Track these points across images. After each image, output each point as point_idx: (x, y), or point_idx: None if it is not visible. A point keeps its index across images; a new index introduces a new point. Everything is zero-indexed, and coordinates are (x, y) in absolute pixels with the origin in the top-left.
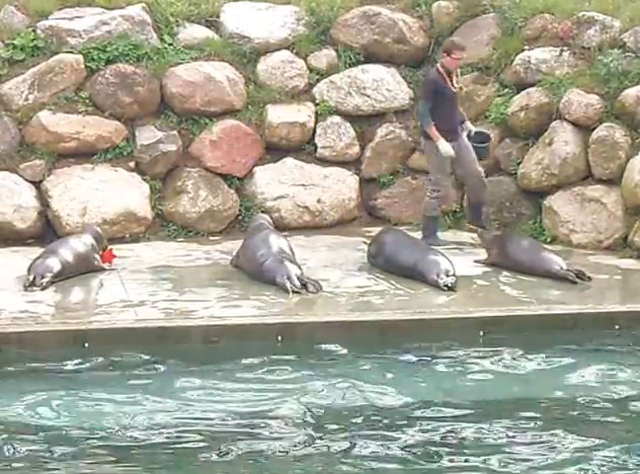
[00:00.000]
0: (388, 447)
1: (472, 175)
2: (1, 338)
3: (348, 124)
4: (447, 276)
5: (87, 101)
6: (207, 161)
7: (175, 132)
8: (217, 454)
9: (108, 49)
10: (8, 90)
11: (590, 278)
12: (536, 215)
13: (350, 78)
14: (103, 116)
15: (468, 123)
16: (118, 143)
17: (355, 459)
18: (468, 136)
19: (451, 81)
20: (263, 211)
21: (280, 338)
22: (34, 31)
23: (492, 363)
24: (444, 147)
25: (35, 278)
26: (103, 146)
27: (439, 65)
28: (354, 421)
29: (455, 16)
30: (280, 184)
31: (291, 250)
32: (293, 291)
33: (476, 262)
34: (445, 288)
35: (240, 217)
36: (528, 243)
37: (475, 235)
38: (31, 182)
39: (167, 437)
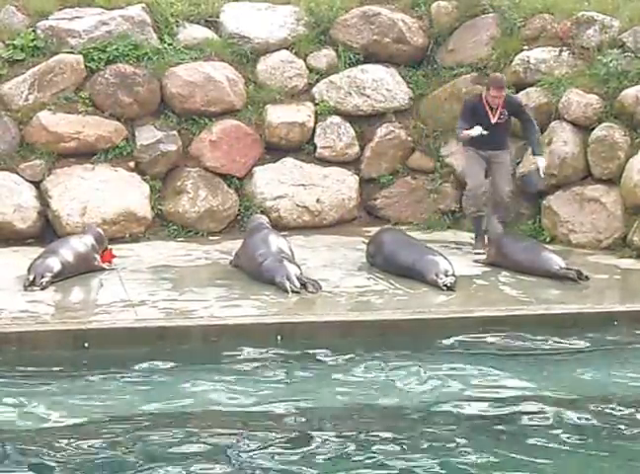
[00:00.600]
0: (386, 448)
1: (498, 193)
2: (1, 338)
3: (347, 124)
4: (447, 275)
5: (87, 101)
6: (207, 161)
7: (175, 132)
8: (215, 453)
9: (108, 50)
10: (8, 90)
11: (587, 278)
12: (536, 215)
13: (349, 78)
14: (103, 116)
15: (539, 159)
16: (117, 143)
17: (352, 460)
18: (528, 172)
19: (493, 113)
20: (262, 211)
21: (279, 337)
22: (34, 31)
23: (491, 363)
24: (474, 130)
25: (35, 278)
26: (103, 146)
27: (484, 94)
28: (354, 421)
29: (455, 16)
30: (279, 184)
31: (291, 250)
32: (293, 291)
33: (475, 261)
34: (445, 288)
35: (240, 217)
36: (527, 243)
37: (474, 235)
38: (31, 182)
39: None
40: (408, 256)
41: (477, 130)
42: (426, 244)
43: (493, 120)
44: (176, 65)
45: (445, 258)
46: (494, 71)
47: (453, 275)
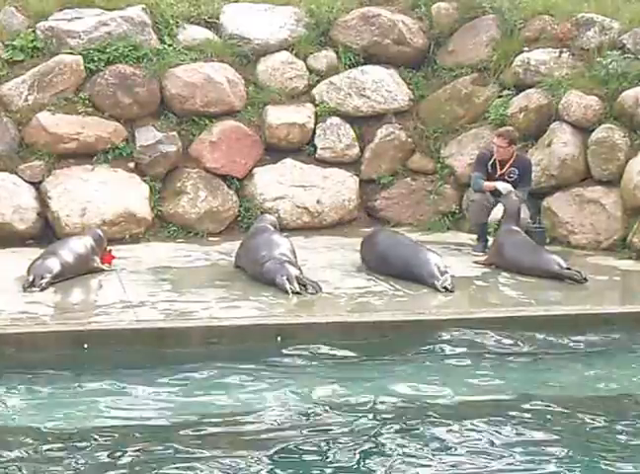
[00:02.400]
0: (388, 448)
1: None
2: (0, 339)
3: (347, 125)
4: (442, 274)
5: (86, 102)
6: (207, 162)
7: (174, 133)
8: (214, 454)
9: (107, 50)
10: (8, 91)
11: (586, 279)
12: (535, 216)
13: (349, 79)
14: (102, 116)
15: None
16: (117, 144)
17: (353, 460)
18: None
19: (501, 167)
20: (262, 212)
21: (279, 338)
22: (33, 32)
23: (491, 364)
24: (503, 185)
25: (34, 279)
26: (102, 147)
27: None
28: (353, 422)
29: (455, 17)
30: (279, 185)
31: (293, 252)
32: (293, 292)
33: (475, 263)
34: (444, 290)
35: (239, 218)
36: (527, 243)
37: (474, 236)
38: (30, 183)
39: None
40: (402, 259)
41: (506, 187)
42: (417, 242)
43: (498, 173)
44: (176, 66)
45: (437, 254)
46: (494, 72)
47: (447, 271)
